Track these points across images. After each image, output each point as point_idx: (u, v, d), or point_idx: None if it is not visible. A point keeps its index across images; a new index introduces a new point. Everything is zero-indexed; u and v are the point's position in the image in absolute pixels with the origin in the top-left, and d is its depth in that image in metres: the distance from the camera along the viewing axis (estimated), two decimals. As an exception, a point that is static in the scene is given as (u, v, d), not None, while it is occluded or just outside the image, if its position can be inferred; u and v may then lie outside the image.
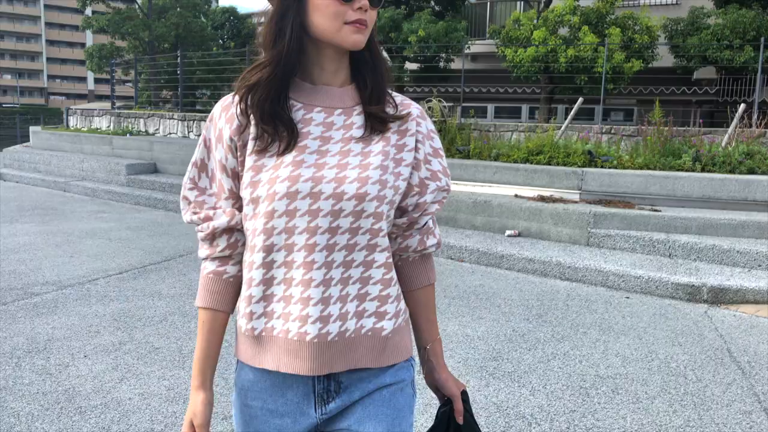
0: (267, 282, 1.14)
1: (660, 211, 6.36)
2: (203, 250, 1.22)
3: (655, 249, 5.86)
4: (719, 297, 4.84)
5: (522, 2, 17.61)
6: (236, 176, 1.17)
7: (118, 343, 3.76)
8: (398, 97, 1.24)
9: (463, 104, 12.11)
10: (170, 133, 13.64)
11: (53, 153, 12.58)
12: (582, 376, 3.37)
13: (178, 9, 21.00)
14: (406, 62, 14.19)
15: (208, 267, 1.22)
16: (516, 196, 7.26)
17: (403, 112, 1.21)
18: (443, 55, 13.78)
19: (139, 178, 9.88)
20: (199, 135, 13.02)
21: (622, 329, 4.17)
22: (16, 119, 28.67)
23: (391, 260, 1.19)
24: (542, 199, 7.02)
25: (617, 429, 2.80)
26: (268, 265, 1.13)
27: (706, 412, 2.97)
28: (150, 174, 10.27)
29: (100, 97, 79.83)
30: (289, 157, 1.11)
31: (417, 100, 17.66)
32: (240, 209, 1.18)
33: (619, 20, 12.75)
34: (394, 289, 1.19)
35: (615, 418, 2.90)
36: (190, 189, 1.21)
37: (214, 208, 1.20)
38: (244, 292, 1.17)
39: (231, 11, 22.48)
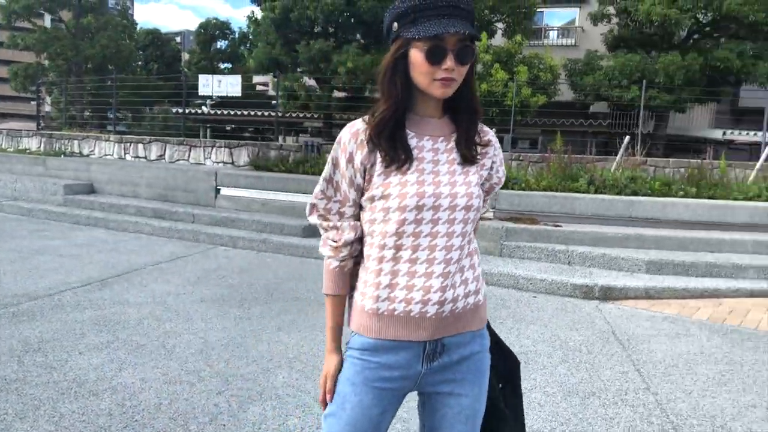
0: (393, 273, 1.42)
1: (561, 226, 7.47)
2: (327, 251, 1.50)
3: (556, 258, 6.93)
4: (607, 294, 5.92)
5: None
6: (360, 190, 1.46)
7: (106, 342, 4.27)
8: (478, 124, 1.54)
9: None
10: (106, 155, 13.82)
11: (-23, 174, 12.41)
12: (501, 353, 4.25)
13: (108, 32, 20.94)
14: (335, 91, 15.07)
15: (333, 264, 1.50)
16: (440, 214, 8.20)
17: (485, 139, 1.54)
18: (368, 86, 14.78)
19: (77, 198, 10.09)
20: (135, 156, 13.21)
21: (532, 320, 5.12)
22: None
23: (476, 249, 1.52)
24: (463, 217, 7.99)
25: (529, 386, 3.68)
26: (396, 259, 1.41)
27: (594, 373, 3.91)
28: (88, 194, 10.49)
29: (9, 116, 75.45)
30: (412, 177, 1.41)
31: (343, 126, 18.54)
32: (358, 218, 1.50)
33: (526, 59, 14.22)
34: (479, 270, 1.54)
35: (527, 379, 3.78)
36: (321, 198, 1.50)
37: (339, 214, 1.49)
38: (372, 279, 1.44)
39: (155, 33, 22.67)
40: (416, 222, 1.40)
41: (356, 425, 1.46)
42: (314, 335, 4.45)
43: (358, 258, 1.52)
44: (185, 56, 25.63)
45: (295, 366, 3.85)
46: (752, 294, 6.26)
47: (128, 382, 3.58)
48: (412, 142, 1.45)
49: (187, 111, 18.27)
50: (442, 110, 1.50)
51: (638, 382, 3.80)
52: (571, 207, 7.90)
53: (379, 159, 1.42)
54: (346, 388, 1.48)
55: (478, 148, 1.52)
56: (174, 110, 19.51)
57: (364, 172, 1.44)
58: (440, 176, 1.43)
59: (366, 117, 1.47)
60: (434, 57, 1.36)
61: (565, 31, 22.89)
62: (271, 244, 7.61)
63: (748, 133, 18.75)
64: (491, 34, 15.18)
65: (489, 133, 1.56)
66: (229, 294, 5.53)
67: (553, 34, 22.93)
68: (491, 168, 1.57)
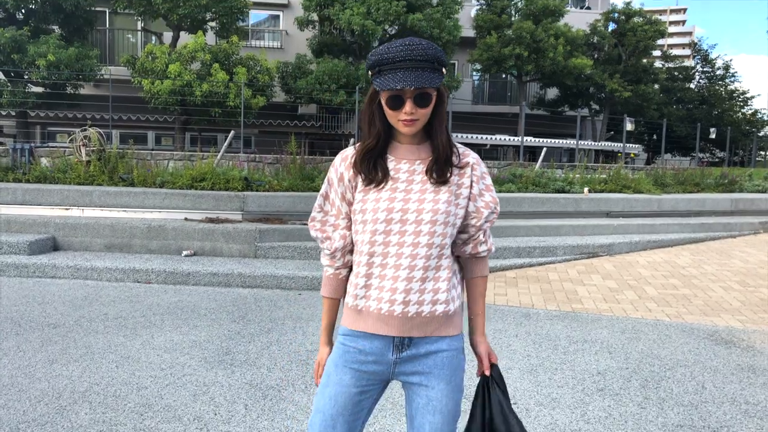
0: (368, 276, 1.67)
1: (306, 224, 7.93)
2: (325, 260, 1.80)
3: (309, 255, 7.38)
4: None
5: (141, 33, 17.84)
6: (349, 204, 1.73)
7: None
8: (461, 149, 1.75)
9: (105, 131, 11.97)
10: None
11: None
12: (297, 353, 4.49)
13: None
14: (30, 85, 13.09)
15: (329, 271, 1.80)
16: (186, 219, 7.98)
17: (463, 161, 1.73)
18: (74, 81, 13.24)
19: None
20: None
21: (309, 317, 5.45)
22: None
23: (451, 264, 1.71)
24: (211, 220, 7.92)
25: (335, 377, 4.00)
26: (369, 264, 1.67)
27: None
28: None
29: None
30: (386, 194, 1.66)
31: (43, 125, 16.22)
32: (350, 228, 1.75)
33: (243, 60, 14.36)
34: (452, 284, 1.71)
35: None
36: (318, 212, 1.79)
37: (333, 226, 1.76)
38: (353, 280, 1.71)
39: None
40: (385, 233, 1.65)
41: (337, 399, 1.71)
42: (96, 364, 4.09)
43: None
44: None
45: (94, 400, 3.53)
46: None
47: None
48: (391, 164, 1.70)
49: None
50: (424, 137, 1.73)
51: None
52: (310, 206, 8.40)
53: (361, 179, 1.69)
54: (330, 368, 1.74)
55: (454, 170, 1.71)
56: None
57: (352, 188, 1.72)
58: (411, 194, 1.66)
59: (357, 144, 1.74)
60: (394, 105, 1.62)
61: (270, 33, 23.54)
62: (-10, 266, 6.51)
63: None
64: (204, 32, 14.93)
65: (469, 156, 1.75)
66: (-41, 331, 4.66)
67: (267, 36, 23.40)
68: (470, 187, 1.74)
